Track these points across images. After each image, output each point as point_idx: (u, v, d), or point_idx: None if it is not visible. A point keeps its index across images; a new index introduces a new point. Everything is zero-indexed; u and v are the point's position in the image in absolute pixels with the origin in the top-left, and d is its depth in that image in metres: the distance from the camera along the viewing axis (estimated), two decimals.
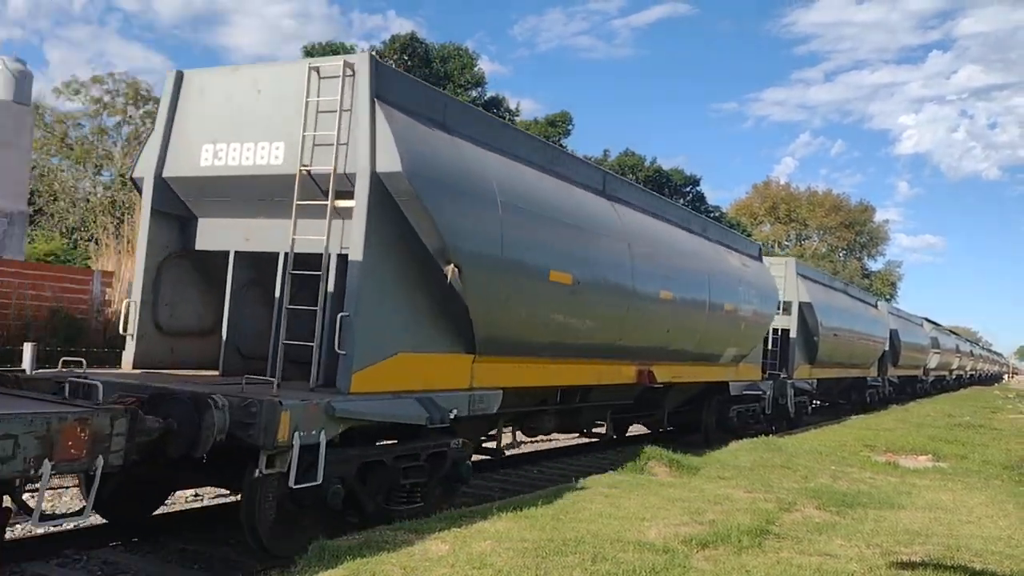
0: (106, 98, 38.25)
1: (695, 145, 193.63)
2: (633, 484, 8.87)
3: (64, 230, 33.88)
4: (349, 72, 6.83)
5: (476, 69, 40.97)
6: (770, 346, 17.91)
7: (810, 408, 20.79)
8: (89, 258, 23.02)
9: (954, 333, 60.14)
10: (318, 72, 6.92)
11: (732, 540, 6.47)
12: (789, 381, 17.82)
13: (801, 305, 18.87)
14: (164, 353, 7.76)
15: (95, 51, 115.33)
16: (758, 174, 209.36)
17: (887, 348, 28.16)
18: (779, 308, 16.99)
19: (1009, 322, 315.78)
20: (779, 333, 18.28)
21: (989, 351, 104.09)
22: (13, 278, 16.05)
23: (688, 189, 56.01)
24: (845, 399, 26.18)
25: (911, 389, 36.73)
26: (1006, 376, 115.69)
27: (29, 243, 22.27)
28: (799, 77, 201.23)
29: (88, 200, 36.32)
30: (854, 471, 11.24)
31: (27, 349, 9.29)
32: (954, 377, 52.17)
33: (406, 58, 37.48)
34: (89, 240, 28.30)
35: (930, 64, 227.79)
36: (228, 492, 8.97)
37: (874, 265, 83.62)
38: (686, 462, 10.13)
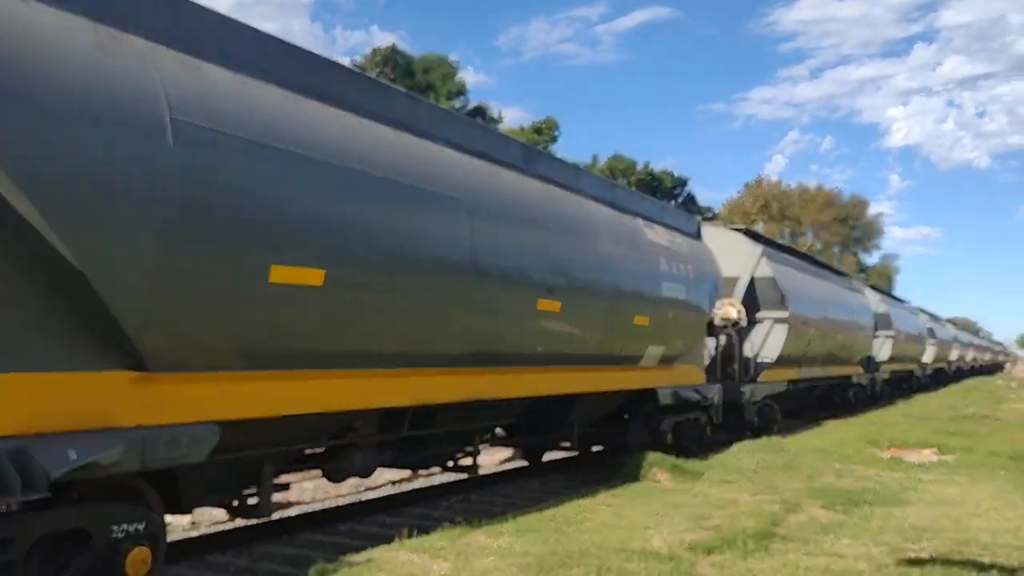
0: None
1: (684, 147, 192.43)
2: (636, 492, 8.80)
3: None
4: (751, 236, 16.11)
5: (458, 79, 40.99)
6: None
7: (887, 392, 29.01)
8: None
9: (967, 329, 63.80)
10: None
11: (738, 545, 6.40)
12: (877, 374, 26.25)
13: (879, 316, 26.77)
14: None
15: None
16: (749, 173, 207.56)
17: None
18: (875, 326, 25.58)
19: (1007, 310, 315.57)
20: None
21: (990, 341, 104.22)
22: None
23: (678, 191, 56.18)
24: (897, 387, 33.35)
25: (940, 378, 44.36)
26: (1007, 365, 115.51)
27: None
28: (785, 75, 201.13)
29: None
30: (859, 469, 11.15)
31: None
32: (968, 368, 59.75)
33: (388, 71, 37.20)
34: None
35: (915, 56, 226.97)
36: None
37: (870, 259, 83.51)
38: (688, 467, 10.03)
